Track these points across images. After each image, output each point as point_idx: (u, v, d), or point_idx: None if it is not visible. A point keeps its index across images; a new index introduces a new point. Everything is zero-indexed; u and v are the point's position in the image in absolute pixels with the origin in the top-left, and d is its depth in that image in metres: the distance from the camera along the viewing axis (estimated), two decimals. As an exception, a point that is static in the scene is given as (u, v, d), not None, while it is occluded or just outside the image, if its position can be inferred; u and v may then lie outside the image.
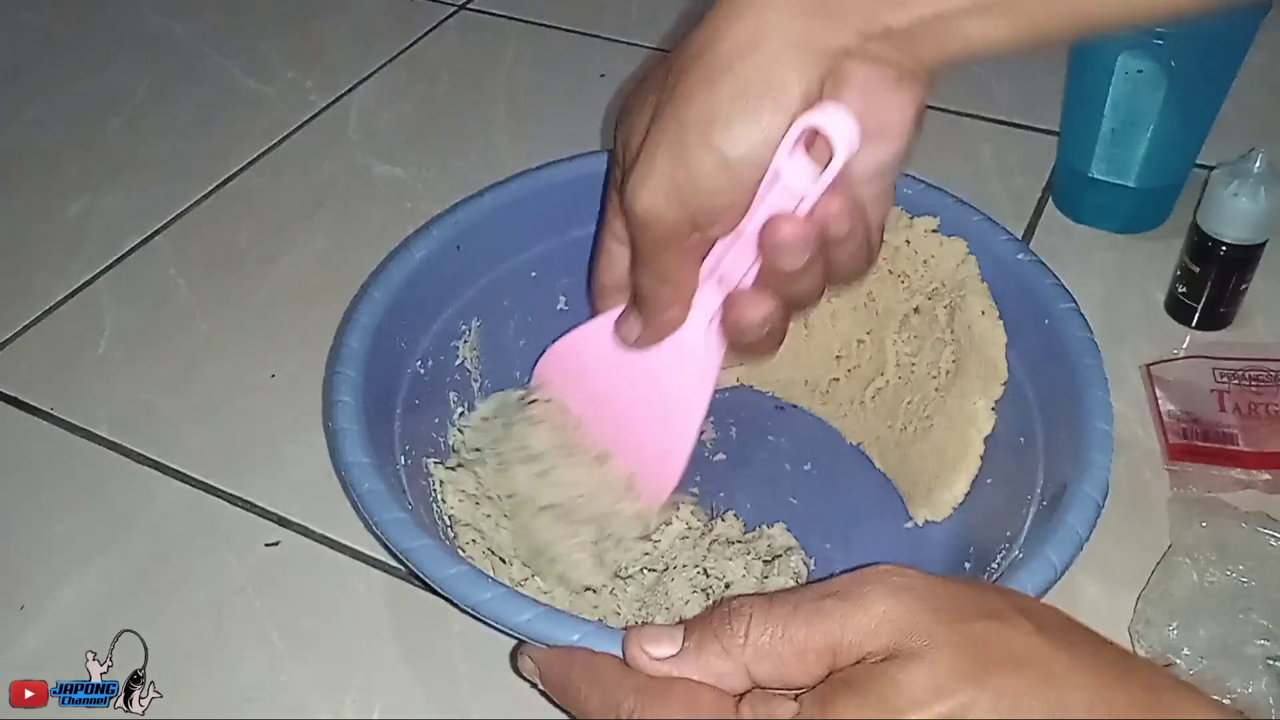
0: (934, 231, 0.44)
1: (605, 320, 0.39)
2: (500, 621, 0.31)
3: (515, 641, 0.34)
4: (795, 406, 0.50)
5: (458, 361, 0.47)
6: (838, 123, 0.30)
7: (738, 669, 0.26)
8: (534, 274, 0.48)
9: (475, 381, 0.48)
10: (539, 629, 0.31)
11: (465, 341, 0.47)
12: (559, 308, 0.49)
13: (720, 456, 0.48)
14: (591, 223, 0.48)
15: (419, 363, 0.44)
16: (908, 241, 0.44)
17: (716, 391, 0.51)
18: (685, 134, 0.31)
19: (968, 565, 0.40)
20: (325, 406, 0.42)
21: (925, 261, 0.44)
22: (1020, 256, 0.42)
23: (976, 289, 0.42)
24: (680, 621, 0.28)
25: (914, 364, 0.45)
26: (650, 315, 0.36)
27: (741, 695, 0.27)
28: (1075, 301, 0.40)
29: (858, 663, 0.25)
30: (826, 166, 0.30)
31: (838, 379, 0.48)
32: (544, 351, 0.43)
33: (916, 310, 0.45)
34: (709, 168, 0.31)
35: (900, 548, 0.44)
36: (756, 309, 0.34)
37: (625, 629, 0.29)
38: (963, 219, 0.44)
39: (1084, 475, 0.35)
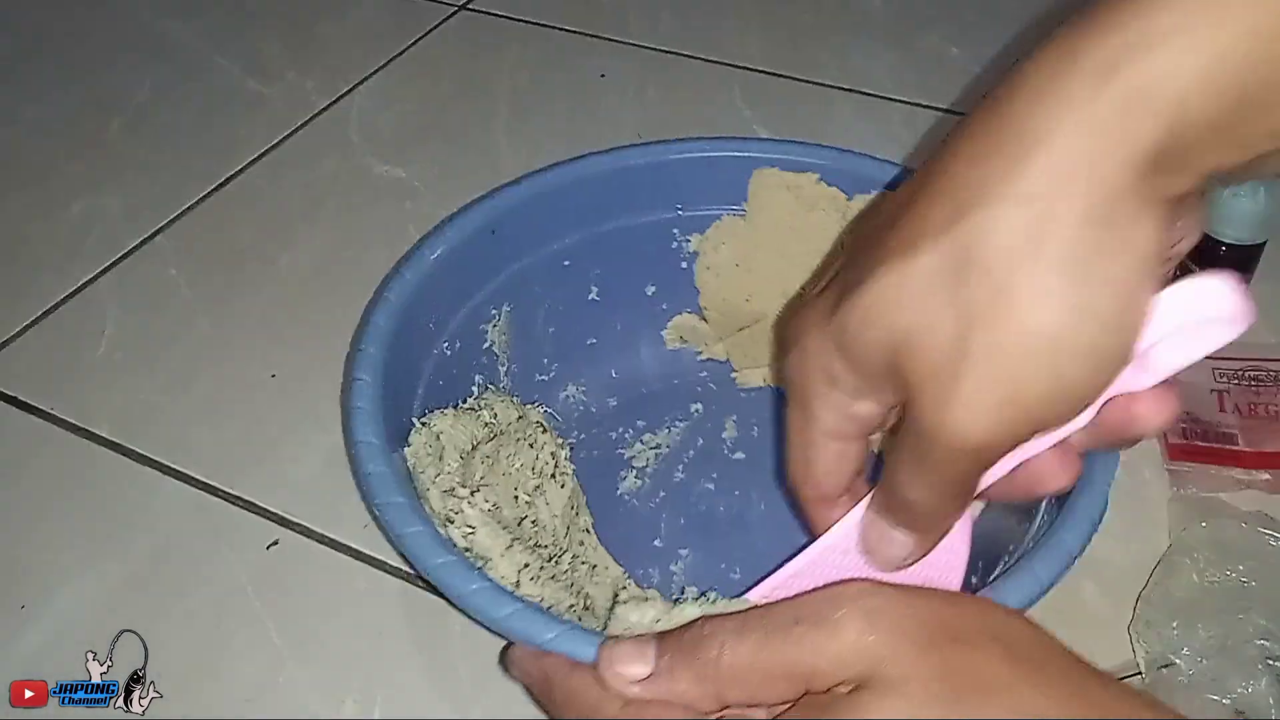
0: None
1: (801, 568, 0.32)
2: (480, 615, 0.32)
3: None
4: None
5: (486, 345, 0.47)
6: (1225, 295, 0.25)
7: (709, 695, 0.27)
8: (567, 263, 0.48)
9: (502, 365, 0.48)
10: (515, 625, 0.31)
11: (494, 326, 0.47)
12: (590, 298, 0.50)
13: (739, 455, 0.49)
14: (627, 215, 0.49)
15: (446, 344, 0.45)
16: None
17: (741, 392, 0.51)
18: (1019, 336, 0.23)
19: (974, 579, 0.39)
20: (344, 384, 0.43)
21: None
22: None
23: None
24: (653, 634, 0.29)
25: None
26: (932, 529, 0.29)
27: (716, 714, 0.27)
28: None
29: (831, 689, 0.25)
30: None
31: None
32: None
33: None
34: (1069, 377, 0.23)
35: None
36: (1066, 474, 0.29)
37: (601, 639, 0.29)
38: None
39: (1084, 491, 0.34)
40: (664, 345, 0.52)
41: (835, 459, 0.30)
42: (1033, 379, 0.23)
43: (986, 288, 0.23)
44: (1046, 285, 0.23)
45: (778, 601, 0.27)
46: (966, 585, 0.40)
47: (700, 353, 0.52)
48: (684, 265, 0.50)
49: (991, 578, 0.37)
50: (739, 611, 0.28)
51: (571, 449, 0.46)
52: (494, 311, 0.47)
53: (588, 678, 0.29)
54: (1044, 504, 0.38)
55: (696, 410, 0.50)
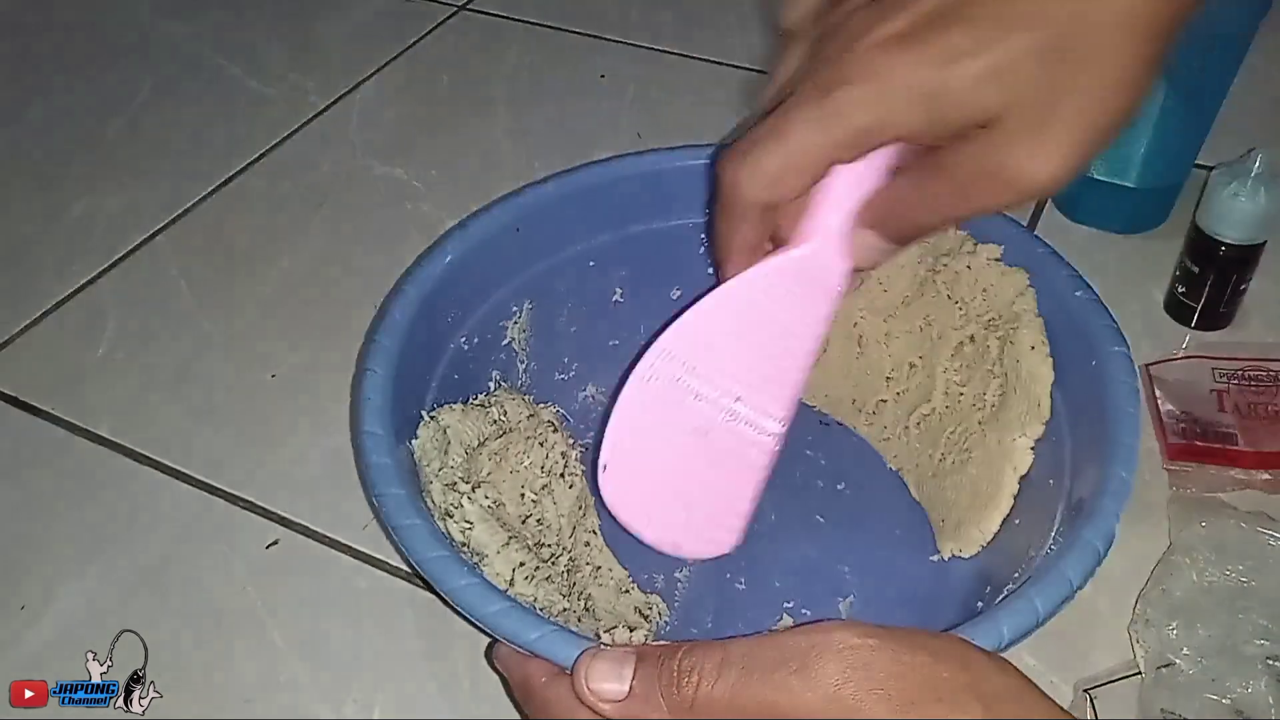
0: (996, 260, 0.43)
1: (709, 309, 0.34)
2: (469, 610, 0.32)
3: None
4: (840, 424, 0.50)
5: (505, 341, 0.47)
6: None
7: None
8: (592, 264, 0.48)
9: (521, 363, 0.48)
10: (502, 623, 0.31)
11: (515, 323, 0.47)
12: (614, 300, 0.50)
13: None
14: (655, 218, 0.49)
15: (464, 339, 0.45)
16: (969, 267, 0.43)
17: None
18: (1109, 97, 0.29)
19: (980, 604, 0.39)
20: (356, 375, 0.43)
21: (984, 290, 0.43)
22: (1078, 294, 0.41)
23: (1031, 323, 0.41)
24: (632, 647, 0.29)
25: (962, 393, 0.44)
26: (902, 247, 0.34)
27: None
28: (1127, 345, 0.39)
29: None
30: None
31: (885, 401, 0.47)
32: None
33: (971, 339, 0.44)
34: (1123, 125, 0.30)
35: (921, 580, 0.43)
36: None
37: (586, 644, 0.29)
38: (1027, 249, 0.43)
39: (1091, 521, 0.34)
40: None
41: (817, 171, 0.31)
42: (1109, 126, 0.29)
43: (1082, 65, 0.29)
44: (1125, 64, 0.29)
45: (762, 638, 0.27)
46: (972, 610, 0.39)
47: None
48: (710, 270, 0.50)
49: (997, 601, 0.36)
50: (720, 640, 0.28)
51: (585, 449, 0.45)
52: (515, 309, 0.47)
53: (565, 688, 0.29)
54: (1055, 527, 0.38)
55: None
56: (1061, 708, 0.26)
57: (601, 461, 0.35)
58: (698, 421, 0.35)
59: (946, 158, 0.30)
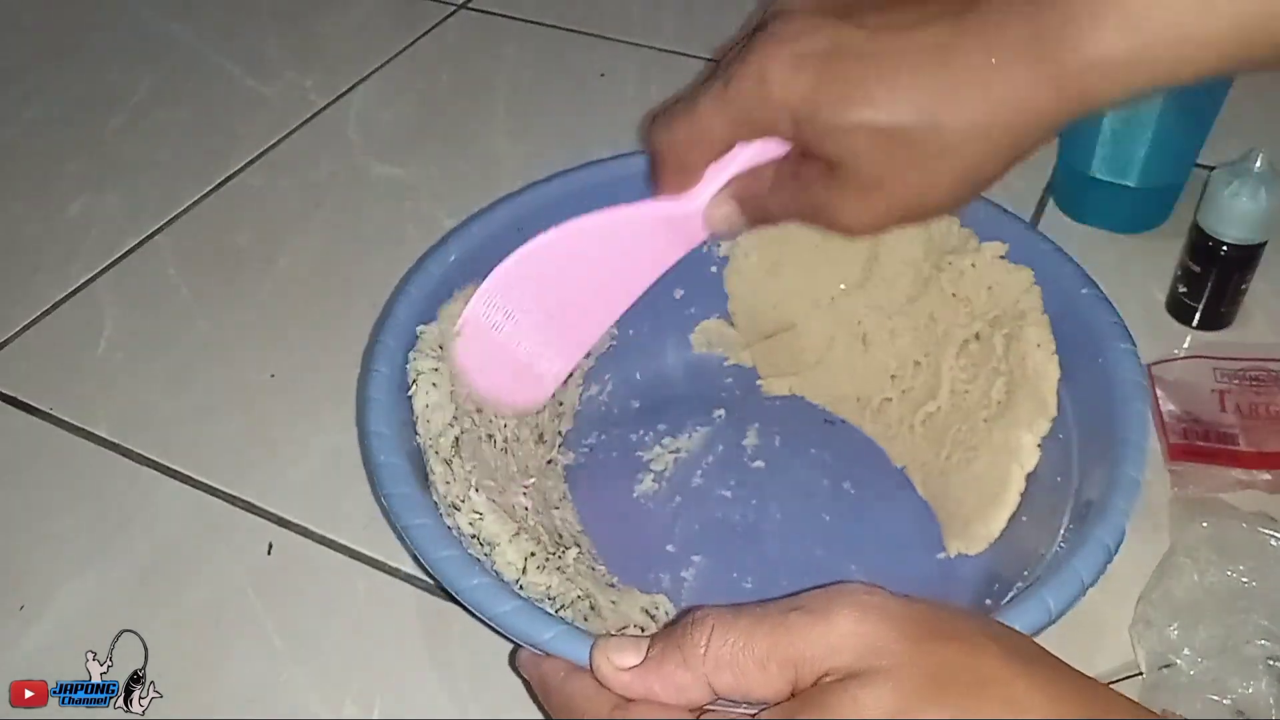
0: (1001, 258, 0.43)
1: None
2: (480, 610, 0.32)
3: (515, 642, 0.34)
4: (844, 423, 0.49)
5: None
6: None
7: (698, 680, 0.26)
8: None
9: None
10: (514, 623, 0.31)
11: None
12: None
13: (759, 464, 0.48)
14: None
15: None
16: (973, 265, 0.43)
17: (765, 400, 0.51)
18: None
19: (989, 602, 0.39)
20: (361, 375, 0.43)
21: (989, 288, 0.43)
22: (1084, 291, 0.41)
23: (1037, 320, 0.41)
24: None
25: (967, 391, 0.44)
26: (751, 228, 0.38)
27: (702, 709, 0.27)
28: (1134, 343, 0.39)
29: (820, 679, 0.25)
30: None
31: (890, 399, 0.47)
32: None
33: (976, 336, 0.44)
34: None
35: (928, 578, 0.43)
36: None
37: (596, 637, 0.29)
38: (1032, 247, 0.43)
39: (1102, 520, 0.34)
40: (690, 349, 0.52)
41: (718, 143, 0.35)
42: (926, 214, 0.33)
43: (917, 160, 0.31)
44: (957, 171, 0.31)
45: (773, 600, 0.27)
46: (981, 608, 0.39)
47: (727, 358, 0.52)
48: (713, 270, 0.50)
49: (1005, 601, 0.36)
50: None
51: (590, 449, 0.45)
52: None
53: (583, 682, 0.29)
54: (1063, 529, 0.38)
55: (719, 416, 0.50)
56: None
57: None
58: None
59: (802, 170, 0.34)
